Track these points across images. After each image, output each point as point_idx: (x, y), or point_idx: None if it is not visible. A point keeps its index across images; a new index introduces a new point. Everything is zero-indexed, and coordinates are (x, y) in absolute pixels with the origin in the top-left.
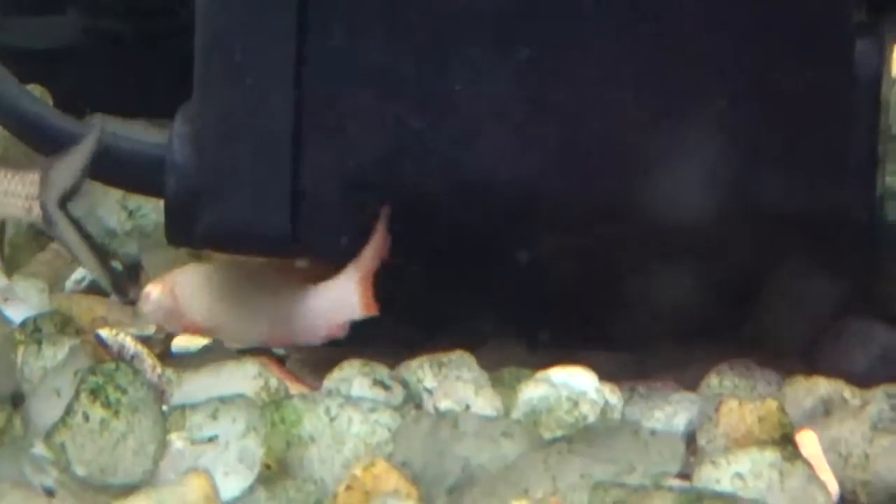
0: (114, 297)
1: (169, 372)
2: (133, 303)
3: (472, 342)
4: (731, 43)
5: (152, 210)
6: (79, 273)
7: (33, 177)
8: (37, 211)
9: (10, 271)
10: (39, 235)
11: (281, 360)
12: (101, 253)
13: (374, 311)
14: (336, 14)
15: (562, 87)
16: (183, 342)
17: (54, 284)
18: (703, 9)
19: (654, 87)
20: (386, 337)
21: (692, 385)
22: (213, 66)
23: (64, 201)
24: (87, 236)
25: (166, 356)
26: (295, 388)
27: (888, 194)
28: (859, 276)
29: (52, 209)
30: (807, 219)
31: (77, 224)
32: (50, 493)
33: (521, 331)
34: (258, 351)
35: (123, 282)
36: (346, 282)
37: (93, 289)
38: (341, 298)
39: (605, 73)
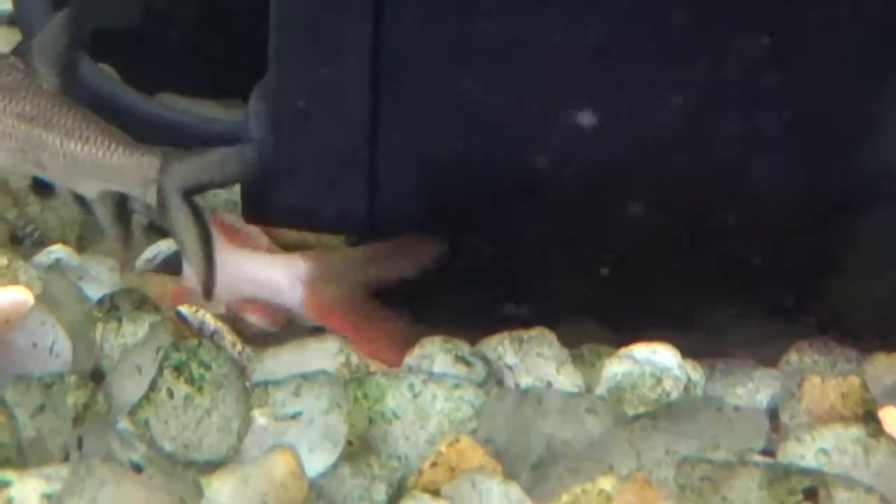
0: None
1: (248, 349)
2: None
3: (548, 320)
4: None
5: (224, 189)
6: (150, 252)
7: (153, 160)
8: (152, 194)
9: (81, 250)
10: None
11: None
12: (209, 253)
13: (319, 319)
14: None
15: (641, 64)
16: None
17: (125, 263)
18: None
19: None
20: (461, 315)
21: (771, 362)
22: (288, 43)
23: (188, 193)
24: (206, 235)
25: (241, 333)
26: (372, 365)
27: None
28: None
29: (168, 196)
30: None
31: (200, 220)
32: (138, 468)
33: (598, 310)
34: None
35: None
36: (287, 272)
37: (164, 267)
38: (275, 284)
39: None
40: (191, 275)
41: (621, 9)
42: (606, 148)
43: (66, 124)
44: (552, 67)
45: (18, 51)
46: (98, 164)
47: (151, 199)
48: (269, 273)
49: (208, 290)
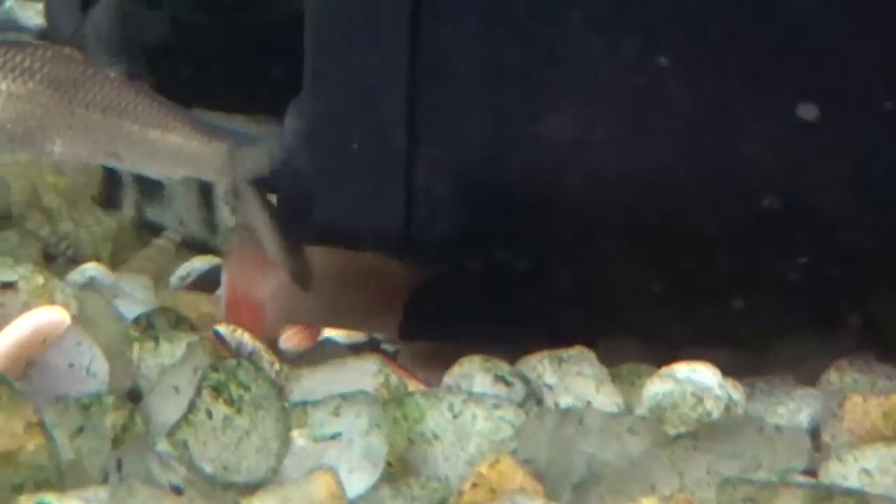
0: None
1: (286, 368)
2: None
3: (583, 340)
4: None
5: None
6: (183, 269)
7: (222, 146)
8: (225, 182)
9: (114, 267)
10: (143, 231)
11: (391, 356)
12: (288, 238)
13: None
14: (449, 6)
15: (676, 80)
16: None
17: (158, 280)
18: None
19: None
20: (497, 334)
21: (811, 380)
22: (325, 59)
23: (256, 182)
24: (274, 218)
25: (277, 353)
26: (410, 385)
27: None
28: None
29: (240, 185)
30: None
31: (268, 205)
32: (178, 491)
33: (634, 328)
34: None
35: (308, 269)
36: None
37: (197, 285)
38: None
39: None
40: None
41: (662, 25)
42: (645, 165)
43: (141, 111)
44: (591, 83)
45: (71, 42)
46: (176, 150)
47: (224, 186)
48: None
49: (294, 276)
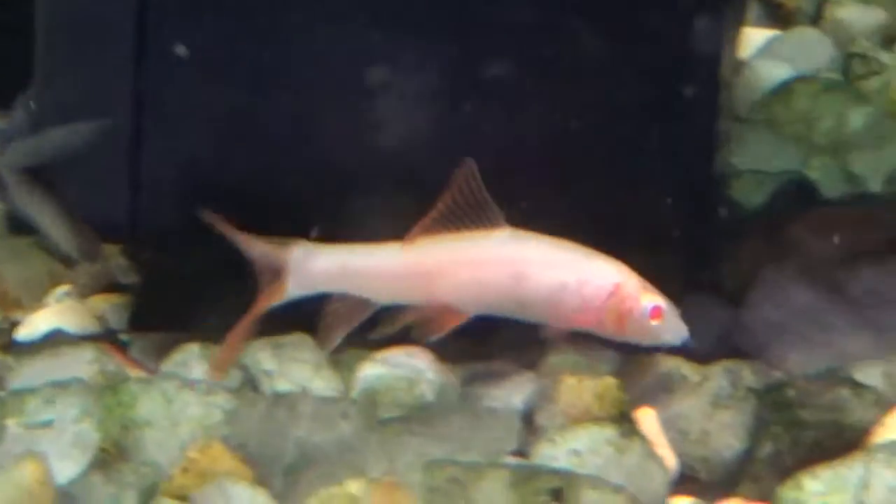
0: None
1: (9, 359)
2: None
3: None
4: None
5: None
6: None
7: None
8: None
9: None
10: None
11: (123, 347)
12: (70, 218)
13: None
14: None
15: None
16: (27, 330)
17: None
18: None
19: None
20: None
21: (532, 364)
22: (53, 52)
23: (28, 171)
24: (54, 203)
25: (9, 345)
26: (136, 374)
27: (732, 173)
28: (699, 255)
29: (4, 173)
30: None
31: (46, 192)
32: None
33: None
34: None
35: (94, 245)
36: None
37: None
38: None
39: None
40: None
41: (379, 17)
42: (366, 151)
43: None
44: (313, 71)
45: None
46: None
47: None
48: None
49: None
